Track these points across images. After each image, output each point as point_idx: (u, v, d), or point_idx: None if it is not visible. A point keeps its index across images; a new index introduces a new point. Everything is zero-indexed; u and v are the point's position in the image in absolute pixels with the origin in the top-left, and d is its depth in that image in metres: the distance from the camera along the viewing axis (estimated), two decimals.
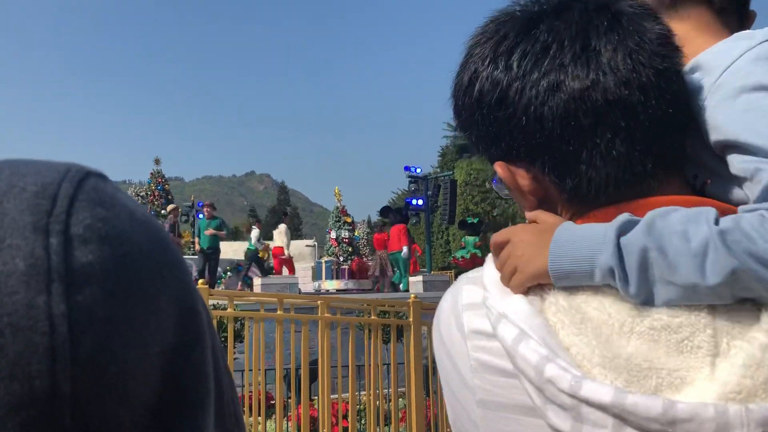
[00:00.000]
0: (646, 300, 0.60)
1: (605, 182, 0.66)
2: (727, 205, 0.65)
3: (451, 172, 26.82)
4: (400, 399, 5.94)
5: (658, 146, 0.66)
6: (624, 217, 0.62)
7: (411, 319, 5.13)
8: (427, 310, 5.44)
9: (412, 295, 5.46)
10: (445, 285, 16.17)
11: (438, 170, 36.18)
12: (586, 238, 0.62)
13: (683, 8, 0.81)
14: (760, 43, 0.67)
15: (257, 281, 14.73)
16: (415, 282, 15.05)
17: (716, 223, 0.58)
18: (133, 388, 0.29)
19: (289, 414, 5.43)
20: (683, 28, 0.78)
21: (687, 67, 0.71)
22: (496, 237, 0.71)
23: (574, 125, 0.65)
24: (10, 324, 0.26)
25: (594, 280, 0.62)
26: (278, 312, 4.51)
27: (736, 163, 0.65)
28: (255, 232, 16.75)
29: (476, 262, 18.02)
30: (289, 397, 5.54)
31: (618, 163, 0.65)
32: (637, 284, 0.59)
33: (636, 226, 0.60)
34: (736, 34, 0.73)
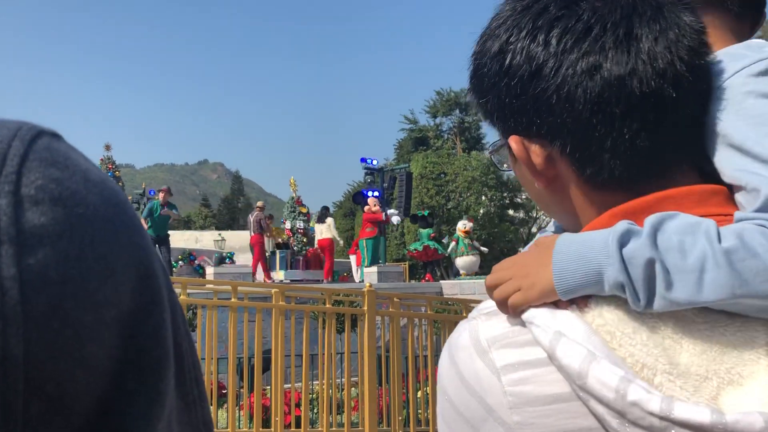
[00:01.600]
0: (649, 308, 0.60)
1: (625, 173, 0.66)
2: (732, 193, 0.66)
3: (407, 165, 26.93)
4: (353, 388, 5.96)
5: (680, 141, 0.66)
6: (623, 225, 0.61)
7: (366, 308, 5.14)
8: (381, 299, 5.47)
9: (368, 284, 5.48)
10: (399, 276, 16.27)
11: (394, 163, 36.27)
12: (589, 251, 0.61)
13: (701, 13, 0.77)
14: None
15: (209, 270, 14.52)
16: (370, 273, 15.08)
17: (719, 238, 0.57)
18: (90, 351, 0.29)
19: (241, 403, 5.39)
20: None
21: None
22: (490, 280, 0.69)
23: (606, 111, 0.64)
24: None
25: (603, 292, 0.61)
26: (232, 300, 4.47)
27: (731, 170, 0.64)
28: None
29: (428, 253, 18.16)
30: (242, 387, 5.49)
31: (641, 155, 0.65)
32: (646, 297, 0.59)
33: (636, 235, 0.60)
34: (746, 42, 0.73)
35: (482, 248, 17.84)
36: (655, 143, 0.65)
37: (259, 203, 17.38)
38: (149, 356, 0.32)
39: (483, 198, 30.94)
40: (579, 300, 0.63)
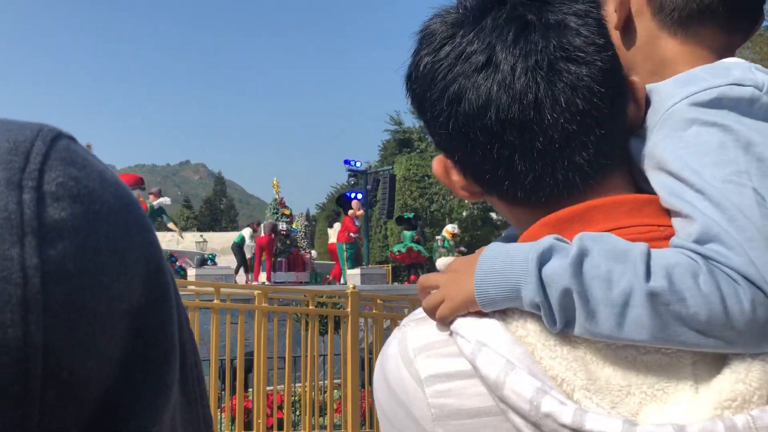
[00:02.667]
0: (568, 331, 0.59)
1: (518, 192, 0.67)
2: (664, 206, 0.64)
3: (390, 167, 26.95)
4: (336, 390, 5.95)
5: (567, 159, 0.64)
6: (546, 241, 0.60)
7: (349, 309, 5.14)
8: (364, 301, 5.47)
9: (351, 286, 5.48)
10: (383, 278, 16.30)
11: (378, 165, 36.30)
12: (509, 265, 0.60)
13: (693, 25, 0.75)
14: (727, 85, 0.64)
15: (191, 272, 14.42)
16: (353, 275, 15.07)
17: (647, 274, 0.56)
18: (102, 342, 0.30)
19: (223, 405, 5.35)
20: (683, 50, 0.75)
21: (649, 87, 0.70)
22: (422, 281, 0.70)
23: (474, 139, 0.65)
24: None
25: (523, 307, 0.60)
26: (215, 301, 4.44)
27: (666, 194, 0.63)
28: (248, 231, 17.34)
29: (412, 255, 18.21)
30: (223, 389, 5.46)
31: (523, 177, 0.65)
32: (562, 321, 0.58)
33: (560, 253, 0.58)
34: (713, 64, 0.70)
35: (462, 248, 18.02)
36: (534, 165, 0.64)
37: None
38: (157, 349, 0.33)
39: (466, 201, 31.02)
40: (505, 309, 0.62)
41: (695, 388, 0.57)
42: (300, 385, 5.34)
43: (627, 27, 0.77)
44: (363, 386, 5.49)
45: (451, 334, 0.64)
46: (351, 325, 5.13)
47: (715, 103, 0.63)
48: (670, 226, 0.63)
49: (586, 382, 0.57)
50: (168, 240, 23.29)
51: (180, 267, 16.33)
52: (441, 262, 17.38)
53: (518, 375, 0.57)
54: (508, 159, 0.65)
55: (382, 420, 0.70)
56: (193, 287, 5.26)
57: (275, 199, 18.43)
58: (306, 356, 5.07)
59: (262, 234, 16.30)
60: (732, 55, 0.75)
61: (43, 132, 0.32)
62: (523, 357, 0.58)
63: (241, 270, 16.52)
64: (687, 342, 0.56)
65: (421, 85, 0.69)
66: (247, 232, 17.31)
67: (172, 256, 18.34)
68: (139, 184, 13.07)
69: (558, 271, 0.57)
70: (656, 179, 0.64)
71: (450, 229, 17.81)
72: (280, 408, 5.39)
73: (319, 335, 5.52)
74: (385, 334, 5.66)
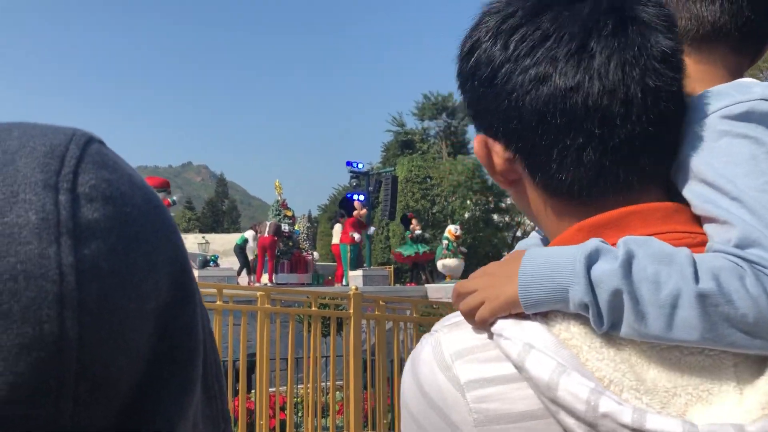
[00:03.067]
0: (614, 332, 0.59)
1: (575, 185, 0.66)
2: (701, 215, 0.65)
3: (392, 168, 26.96)
4: (338, 392, 5.94)
5: (634, 159, 0.65)
6: (592, 244, 0.61)
7: (351, 311, 5.13)
8: (367, 302, 5.47)
9: (353, 287, 5.48)
10: (385, 280, 16.29)
11: (380, 166, 36.31)
12: (555, 267, 0.61)
13: (705, 47, 0.79)
14: (756, 100, 0.66)
15: (194, 273, 14.41)
16: (355, 276, 15.07)
17: (695, 277, 0.57)
18: (132, 339, 0.31)
19: None
20: (697, 68, 0.78)
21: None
22: (458, 287, 0.69)
23: (550, 122, 0.64)
24: (23, 271, 0.29)
25: (568, 309, 0.61)
26: (217, 302, 4.44)
27: (701, 202, 0.64)
28: (251, 233, 17.39)
29: (419, 255, 18.21)
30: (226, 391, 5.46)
31: (587, 169, 0.65)
32: (609, 322, 0.59)
33: (607, 256, 0.59)
34: (737, 81, 0.73)
35: (463, 249, 18.11)
36: (604, 159, 0.64)
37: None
38: (182, 348, 0.34)
39: (468, 202, 31.05)
40: (547, 312, 0.62)
41: (739, 389, 0.58)
42: (302, 386, 5.33)
43: None
44: (365, 388, 5.49)
45: (490, 337, 0.64)
46: (353, 327, 5.13)
47: (746, 117, 0.65)
48: (702, 233, 0.64)
49: (635, 383, 0.57)
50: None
51: None
52: (447, 264, 17.40)
53: (572, 376, 0.57)
54: (579, 149, 0.64)
55: (409, 426, 0.69)
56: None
57: (277, 201, 18.44)
58: (308, 358, 5.07)
59: (266, 233, 16.31)
60: (741, 76, 0.78)
61: (76, 136, 0.34)
62: (570, 359, 0.59)
63: (244, 271, 16.53)
64: (735, 343, 0.57)
65: (489, 61, 0.68)
66: (249, 234, 17.34)
67: None
68: (165, 187, 13.18)
69: (607, 272, 0.58)
70: (690, 188, 0.66)
71: (453, 230, 17.81)
72: (283, 409, 5.39)
73: (322, 337, 5.52)
74: (388, 335, 5.65)
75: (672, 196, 0.69)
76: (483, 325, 0.65)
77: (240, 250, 17.05)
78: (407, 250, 18.47)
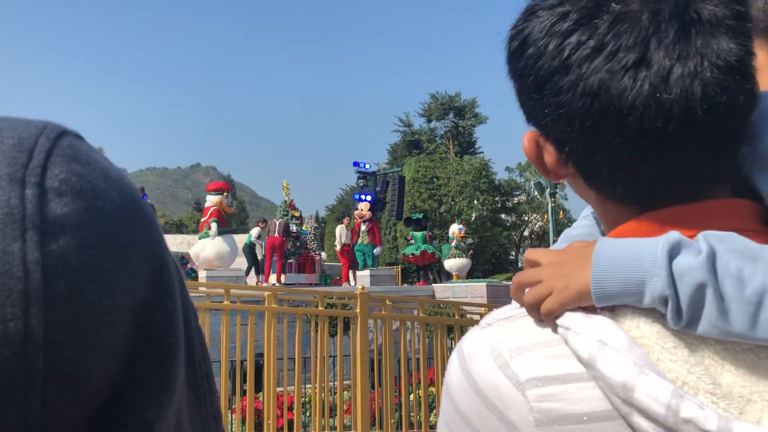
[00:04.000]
0: (691, 329, 0.57)
1: (629, 195, 0.64)
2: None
3: (399, 169, 26.94)
4: (346, 391, 5.96)
5: (695, 172, 0.62)
6: (674, 237, 0.58)
7: (358, 310, 5.15)
8: (374, 302, 5.48)
9: (360, 287, 5.49)
10: (392, 279, 16.28)
11: (387, 166, 36.27)
12: (634, 258, 0.58)
13: (761, 39, 0.76)
14: None
15: (202, 273, 14.47)
16: (362, 276, 15.08)
17: None
18: (105, 336, 0.30)
19: (233, 407, 5.37)
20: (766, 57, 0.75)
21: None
22: (520, 278, 0.66)
23: (604, 137, 0.61)
24: None
25: (642, 303, 0.57)
26: (225, 302, 4.46)
27: None
28: (255, 230, 17.49)
29: (426, 257, 18.21)
30: (234, 391, 5.48)
31: (642, 184, 0.63)
32: (688, 317, 0.56)
33: (689, 249, 0.57)
34: None
35: (464, 245, 18.23)
36: (660, 174, 0.62)
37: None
38: (160, 344, 0.33)
39: (475, 202, 31.00)
40: (613, 308, 0.60)
41: None
42: (310, 386, 5.35)
43: None
44: (372, 387, 5.50)
45: (553, 332, 0.61)
46: (360, 326, 5.14)
47: None
48: None
49: (711, 387, 0.55)
50: (179, 243, 23.37)
51: (191, 269, 16.41)
52: (454, 263, 17.40)
53: (650, 377, 0.54)
54: (633, 166, 0.61)
55: (458, 425, 0.65)
56: (203, 288, 5.29)
57: (285, 201, 18.48)
58: (316, 357, 5.09)
59: (275, 233, 16.36)
60: None
61: (47, 129, 0.33)
62: (643, 359, 0.56)
63: (252, 271, 16.56)
64: None
65: (538, 64, 0.64)
66: (254, 231, 17.38)
67: (183, 258, 18.42)
68: (225, 189, 13.33)
69: (691, 265, 0.55)
70: (760, 178, 0.64)
71: (457, 231, 17.86)
72: (291, 409, 5.40)
73: (329, 336, 5.54)
74: (395, 335, 5.66)
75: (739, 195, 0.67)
76: (549, 318, 0.61)
77: (249, 249, 17.08)
78: (410, 250, 18.50)
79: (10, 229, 0.28)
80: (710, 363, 0.56)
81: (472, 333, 0.67)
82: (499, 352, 0.62)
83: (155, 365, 0.33)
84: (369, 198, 18.25)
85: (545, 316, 0.62)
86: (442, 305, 7.50)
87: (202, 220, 13.36)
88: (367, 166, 21.33)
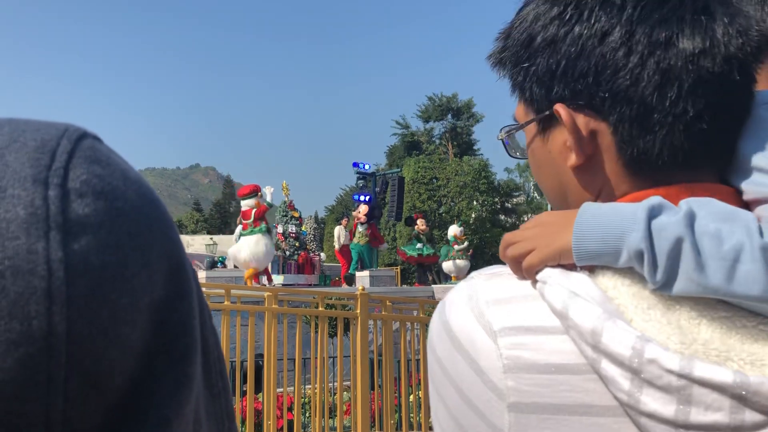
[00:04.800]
0: (667, 289, 0.58)
1: (671, 155, 0.64)
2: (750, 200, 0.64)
3: (399, 170, 26.98)
4: (345, 392, 5.95)
5: (724, 136, 0.64)
6: (656, 199, 0.59)
7: (358, 311, 5.14)
8: (374, 303, 5.47)
9: (360, 287, 5.49)
10: (392, 280, 16.29)
11: (386, 167, 36.31)
12: (615, 216, 0.59)
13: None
14: None
15: (201, 274, 14.48)
16: (362, 277, 15.08)
17: (760, 232, 0.55)
18: (125, 333, 0.31)
19: (233, 407, 5.37)
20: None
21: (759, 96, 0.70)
22: (508, 237, 0.67)
23: (675, 86, 0.62)
24: (11, 267, 0.29)
25: (619, 261, 0.59)
26: (225, 303, 4.46)
27: (754, 186, 0.63)
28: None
29: (422, 256, 18.24)
30: (233, 391, 5.48)
31: (694, 139, 0.63)
32: (665, 273, 0.56)
33: (669, 211, 0.58)
34: None
35: (463, 247, 18.31)
36: (712, 128, 0.63)
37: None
38: (178, 342, 0.34)
39: (474, 203, 31.04)
40: (593, 269, 0.61)
41: None
42: (310, 386, 5.35)
43: None
44: (372, 388, 5.49)
45: (530, 289, 0.63)
46: (360, 327, 5.14)
47: None
48: None
49: (679, 346, 0.55)
50: None
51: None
52: (453, 265, 17.42)
53: (617, 323, 0.55)
54: (696, 117, 0.62)
55: (434, 370, 0.67)
56: (203, 289, 5.28)
57: (284, 202, 18.49)
58: (316, 358, 5.08)
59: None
60: None
61: (69, 131, 0.34)
62: (615, 313, 0.57)
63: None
64: None
65: (589, 25, 0.64)
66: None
67: None
68: (257, 191, 13.57)
69: (670, 222, 0.57)
70: (743, 177, 0.65)
71: (458, 233, 17.91)
72: (290, 410, 5.40)
73: (329, 337, 5.54)
74: (395, 335, 5.66)
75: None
76: (530, 273, 0.63)
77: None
78: (411, 250, 18.50)
79: (35, 228, 0.29)
80: (686, 325, 0.57)
81: (457, 285, 0.69)
82: (477, 301, 0.64)
83: (173, 363, 0.34)
84: (368, 199, 18.25)
85: (526, 270, 0.64)
86: None
87: (244, 222, 13.55)
88: (367, 166, 21.36)
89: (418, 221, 18.44)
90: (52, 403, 0.29)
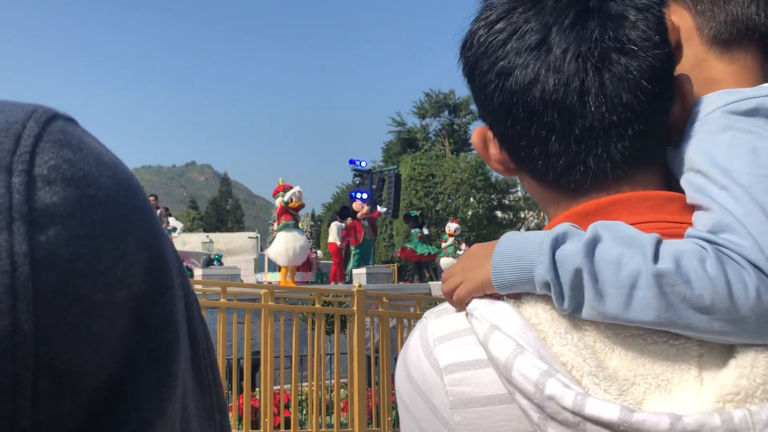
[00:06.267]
0: (577, 314, 0.60)
1: (549, 174, 0.68)
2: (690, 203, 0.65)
3: (396, 167, 26.94)
4: (343, 389, 5.96)
5: (602, 149, 0.65)
6: (562, 227, 0.62)
7: (355, 308, 5.15)
8: (370, 300, 5.48)
9: (357, 284, 5.49)
10: (388, 277, 16.28)
11: (382, 165, 36.28)
12: (525, 247, 0.62)
13: (737, 51, 0.79)
14: (764, 96, 0.66)
15: (198, 272, 14.46)
16: (359, 274, 15.08)
17: (655, 257, 0.57)
18: (100, 330, 0.29)
19: (230, 405, 5.37)
20: (729, 70, 0.79)
21: (696, 99, 0.71)
22: (446, 272, 0.71)
23: (515, 115, 0.67)
24: None
25: (536, 291, 0.62)
26: (221, 300, 4.46)
27: (692, 191, 0.64)
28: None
29: (406, 252, 18.27)
30: (231, 389, 5.48)
31: (556, 159, 0.67)
32: (570, 302, 0.59)
33: (574, 238, 0.60)
34: (761, 86, 0.71)
35: (464, 246, 18.32)
36: (569, 149, 0.66)
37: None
38: (160, 338, 0.32)
39: (471, 200, 31.04)
40: (519, 296, 0.64)
41: (700, 380, 0.57)
42: (307, 384, 5.35)
43: (677, 51, 0.79)
44: (369, 385, 5.50)
45: (467, 315, 0.66)
46: (357, 324, 5.14)
47: (752, 112, 0.66)
48: (691, 223, 0.64)
49: (594, 369, 0.58)
50: (174, 241, 23.35)
51: (187, 267, 16.38)
52: (447, 262, 17.45)
53: (526, 358, 0.58)
54: (545, 139, 0.66)
55: (402, 411, 0.72)
56: (199, 287, 5.29)
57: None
58: (312, 355, 5.09)
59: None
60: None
61: (36, 113, 0.31)
62: (534, 342, 0.60)
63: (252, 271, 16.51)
64: (692, 325, 0.56)
65: (474, 54, 0.71)
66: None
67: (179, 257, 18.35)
68: (281, 189, 13.76)
69: (571, 252, 0.59)
70: (685, 177, 0.66)
71: (454, 230, 17.98)
72: (287, 407, 5.40)
73: (326, 334, 5.54)
74: (392, 332, 5.67)
75: (672, 186, 0.69)
76: (460, 305, 0.67)
77: None
78: (421, 249, 18.47)
79: None
80: (600, 347, 0.60)
81: (415, 326, 0.74)
82: (426, 340, 0.68)
83: (154, 361, 0.31)
84: (365, 196, 18.25)
85: (456, 303, 0.68)
86: (438, 302, 7.49)
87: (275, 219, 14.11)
88: (364, 164, 21.32)
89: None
90: (19, 407, 0.27)
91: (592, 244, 0.59)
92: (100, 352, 0.29)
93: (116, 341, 0.30)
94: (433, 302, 7.73)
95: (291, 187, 14.32)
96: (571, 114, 0.65)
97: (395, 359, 5.95)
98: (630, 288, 0.57)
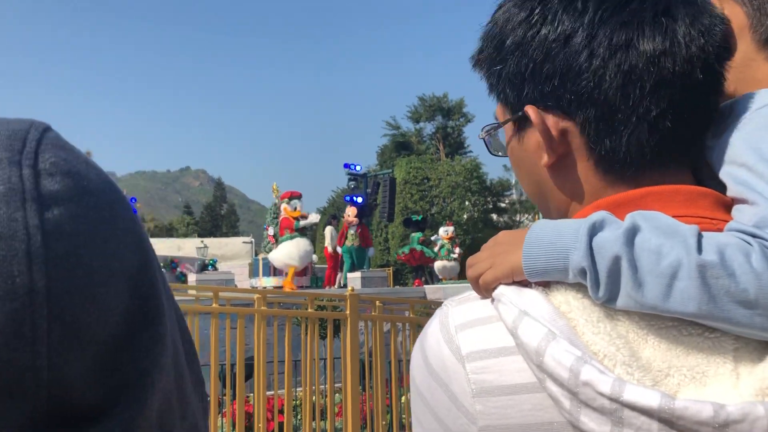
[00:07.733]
0: (611, 303, 0.59)
1: (638, 154, 0.65)
2: (727, 198, 0.65)
3: (390, 170, 26.97)
4: (337, 394, 5.94)
5: (691, 134, 0.66)
6: (599, 215, 0.61)
7: (348, 312, 5.13)
8: (364, 303, 5.46)
9: (350, 288, 5.47)
10: (384, 281, 16.28)
11: (377, 168, 36.30)
12: (560, 234, 0.61)
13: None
14: None
15: (192, 277, 14.43)
16: (353, 278, 15.07)
17: (699, 249, 0.56)
18: (100, 293, 0.35)
19: (224, 410, 5.34)
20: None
21: (741, 97, 0.71)
22: (470, 259, 0.70)
23: (637, 85, 0.63)
24: None
25: (567, 278, 0.61)
26: (213, 305, 4.43)
27: (734, 183, 0.64)
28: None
29: (416, 256, 18.25)
30: (224, 394, 5.45)
31: (659, 137, 0.65)
32: (606, 290, 0.58)
33: (612, 226, 0.60)
34: None
35: (458, 250, 18.41)
36: (677, 126, 0.64)
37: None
38: (149, 304, 0.39)
39: (466, 203, 31.11)
40: (547, 284, 0.63)
41: (736, 373, 0.57)
42: (300, 389, 5.33)
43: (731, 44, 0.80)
44: (363, 390, 5.48)
45: (493, 311, 0.64)
46: (350, 328, 5.12)
47: None
48: (724, 220, 0.63)
49: (628, 359, 0.57)
50: (168, 246, 23.30)
51: (181, 273, 16.34)
52: (443, 266, 17.45)
53: (559, 343, 0.57)
54: (660, 116, 0.64)
55: (415, 401, 0.70)
56: (192, 291, 5.26)
57: (275, 204, 18.44)
58: (306, 360, 5.06)
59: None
60: None
61: (35, 124, 0.39)
62: (565, 329, 0.59)
63: (245, 276, 16.48)
64: (733, 319, 0.55)
65: (553, 27, 0.66)
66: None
67: (173, 262, 18.34)
68: (286, 196, 14.00)
69: (609, 239, 0.58)
70: (726, 170, 0.66)
71: (446, 233, 18.03)
72: (281, 412, 5.37)
73: (320, 339, 5.52)
74: (386, 337, 5.65)
75: (700, 183, 0.69)
76: (487, 290, 0.66)
77: None
78: (427, 252, 18.48)
79: (13, 201, 0.34)
80: (633, 337, 0.59)
81: (434, 314, 0.71)
82: (447, 327, 0.66)
83: (147, 322, 0.38)
84: (360, 200, 18.24)
85: (482, 288, 0.66)
86: (433, 306, 7.50)
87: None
88: (358, 168, 21.36)
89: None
90: (38, 351, 0.33)
91: (632, 233, 0.58)
92: (102, 311, 0.35)
93: (116, 304, 0.36)
94: (428, 305, 7.72)
95: (299, 195, 14.48)
96: (692, 89, 0.64)
97: (389, 363, 5.94)
98: (671, 278, 0.56)
